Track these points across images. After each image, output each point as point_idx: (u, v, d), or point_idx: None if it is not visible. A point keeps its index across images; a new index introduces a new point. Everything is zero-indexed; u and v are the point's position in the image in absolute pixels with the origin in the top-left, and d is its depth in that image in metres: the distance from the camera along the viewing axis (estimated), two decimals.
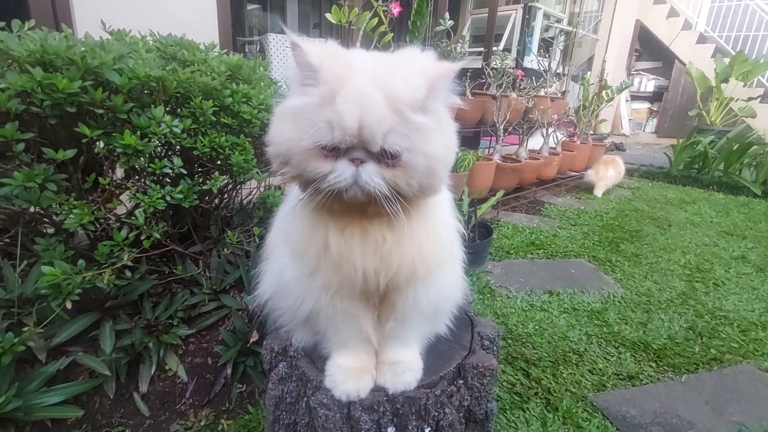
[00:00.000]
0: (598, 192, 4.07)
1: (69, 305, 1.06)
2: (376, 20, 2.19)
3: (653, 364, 1.59)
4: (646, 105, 8.45)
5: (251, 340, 1.32)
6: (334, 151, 0.55)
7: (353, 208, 0.62)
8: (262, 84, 1.47)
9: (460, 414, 0.77)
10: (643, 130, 8.46)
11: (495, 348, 0.90)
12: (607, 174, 4.11)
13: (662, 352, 1.65)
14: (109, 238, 1.14)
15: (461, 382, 0.78)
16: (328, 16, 2.12)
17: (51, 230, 1.25)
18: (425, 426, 0.74)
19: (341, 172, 0.56)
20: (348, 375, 0.75)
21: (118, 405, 1.22)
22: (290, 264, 0.72)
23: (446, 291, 0.78)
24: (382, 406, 0.72)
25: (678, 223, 3.26)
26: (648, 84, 8.27)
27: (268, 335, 0.88)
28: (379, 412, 0.72)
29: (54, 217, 1.10)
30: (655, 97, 8.30)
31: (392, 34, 2.32)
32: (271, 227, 0.83)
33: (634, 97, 8.43)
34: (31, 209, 1.10)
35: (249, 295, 0.99)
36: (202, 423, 1.22)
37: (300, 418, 0.79)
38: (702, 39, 7.43)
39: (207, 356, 1.39)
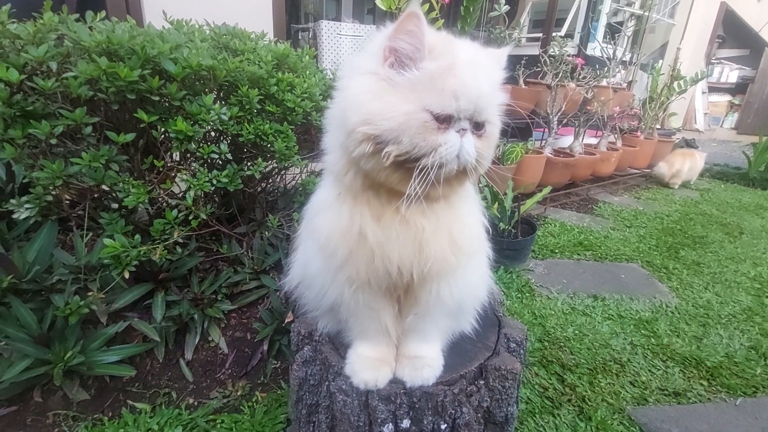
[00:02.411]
0: (675, 186, 3.83)
1: (127, 275, 1.17)
2: (427, 6, 2.14)
3: (705, 383, 1.47)
4: (726, 97, 7.63)
5: (286, 320, 1.38)
6: (444, 123, 0.59)
7: (394, 195, 0.64)
8: (307, 72, 1.50)
9: (479, 414, 0.76)
10: (721, 126, 7.67)
11: (522, 351, 0.87)
12: (684, 168, 3.78)
13: (717, 370, 1.52)
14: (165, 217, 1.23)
15: (482, 382, 0.77)
16: (378, 2, 2.10)
17: (116, 205, 1.37)
18: (441, 422, 0.74)
19: (452, 143, 0.59)
20: (367, 364, 0.76)
21: (166, 369, 1.34)
22: (315, 257, 0.74)
23: (470, 287, 0.77)
24: (399, 398, 0.73)
25: (752, 231, 2.95)
26: (730, 74, 7.45)
27: (297, 318, 0.92)
28: (396, 404, 0.73)
29: (116, 195, 1.20)
30: (738, 89, 7.47)
31: (443, 20, 2.27)
32: (302, 219, 0.85)
33: (713, 89, 7.62)
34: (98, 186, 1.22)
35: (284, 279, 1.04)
36: (239, 393, 1.31)
37: (322, 400, 0.82)
38: None
39: (246, 331, 1.47)
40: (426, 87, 0.57)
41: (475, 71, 0.59)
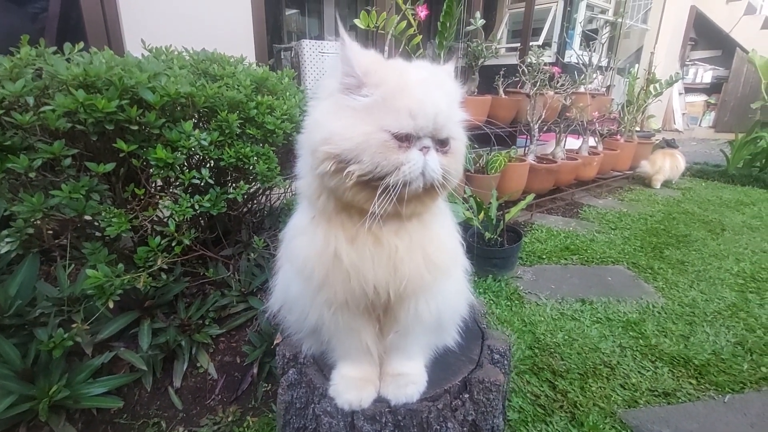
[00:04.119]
0: (657, 185, 3.92)
1: (111, 305, 1.16)
2: (404, 23, 2.19)
3: (693, 381, 1.49)
4: (702, 97, 7.83)
5: (275, 342, 1.37)
6: (405, 142, 0.60)
7: (365, 215, 0.64)
8: (287, 93, 1.52)
9: (465, 428, 0.77)
10: (699, 125, 7.85)
11: (506, 362, 0.88)
12: (664, 166, 3.91)
13: (705, 368, 1.54)
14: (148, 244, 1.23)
15: (467, 396, 0.78)
16: (356, 21, 2.15)
17: (99, 234, 1.36)
18: None
19: (415, 161, 0.60)
20: (351, 385, 0.77)
21: (155, 398, 1.32)
22: (294, 281, 0.75)
23: (449, 302, 0.78)
24: (384, 417, 0.73)
25: (733, 227, 3.01)
26: (705, 75, 7.67)
27: (282, 341, 0.92)
28: (381, 423, 0.73)
29: (98, 224, 1.20)
30: (713, 88, 7.68)
31: (421, 36, 2.31)
32: (281, 243, 0.85)
33: (689, 90, 7.84)
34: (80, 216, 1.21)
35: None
36: (229, 419, 1.29)
37: (309, 423, 0.82)
38: None
39: (236, 355, 1.46)
40: (381, 108, 0.59)
41: (428, 89, 0.61)
